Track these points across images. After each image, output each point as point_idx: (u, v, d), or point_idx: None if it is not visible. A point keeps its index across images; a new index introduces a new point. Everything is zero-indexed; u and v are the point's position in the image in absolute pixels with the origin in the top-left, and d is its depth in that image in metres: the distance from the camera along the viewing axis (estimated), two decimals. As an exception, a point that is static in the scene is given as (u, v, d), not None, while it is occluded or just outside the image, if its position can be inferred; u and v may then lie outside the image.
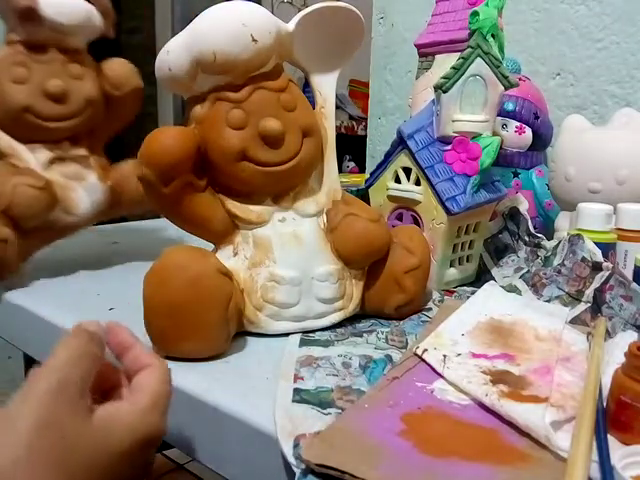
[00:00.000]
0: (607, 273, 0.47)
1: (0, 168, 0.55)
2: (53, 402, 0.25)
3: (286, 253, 0.44)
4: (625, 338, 0.41)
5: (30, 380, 0.27)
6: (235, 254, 0.45)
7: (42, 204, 0.54)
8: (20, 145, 0.56)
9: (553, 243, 0.55)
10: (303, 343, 0.43)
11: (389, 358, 0.40)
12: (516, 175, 0.72)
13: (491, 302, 0.49)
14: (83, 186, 0.58)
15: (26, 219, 0.54)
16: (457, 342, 0.42)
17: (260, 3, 0.53)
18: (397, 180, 0.58)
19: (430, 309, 0.51)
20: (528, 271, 0.55)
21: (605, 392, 0.33)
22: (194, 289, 0.39)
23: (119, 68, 0.62)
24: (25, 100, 0.55)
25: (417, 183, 0.55)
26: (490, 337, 0.43)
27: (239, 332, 0.44)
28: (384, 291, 0.48)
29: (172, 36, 0.45)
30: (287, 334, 0.44)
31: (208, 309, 0.39)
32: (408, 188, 0.56)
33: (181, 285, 0.39)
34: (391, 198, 0.58)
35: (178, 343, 0.40)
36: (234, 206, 0.45)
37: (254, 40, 0.42)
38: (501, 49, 0.53)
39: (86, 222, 0.60)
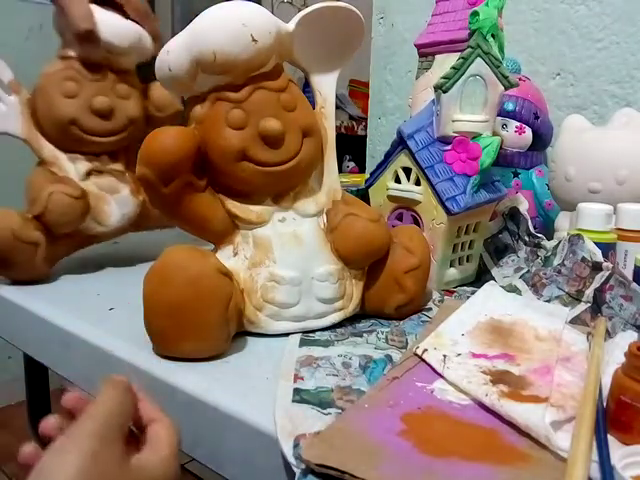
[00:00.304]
0: (607, 273, 0.47)
1: (39, 174, 0.59)
2: (99, 445, 0.26)
3: (286, 253, 0.44)
4: (625, 338, 0.40)
5: (75, 425, 0.27)
6: (235, 254, 0.45)
7: (76, 212, 0.57)
8: (62, 154, 0.60)
9: (553, 243, 0.55)
10: (303, 343, 0.43)
11: (389, 358, 0.40)
12: (516, 175, 0.72)
13: (491, 302, 0.49)
14: (116, 199, 0.61)
15: (59, 225, 0.56)
16: (457, 342, 0.42)
17: (260, 3, 0.53)
18: (397, 180, 0.57)
19: (430, 309, 0.51)
20: (528, 271, 0.55)
21: (605, 392, 0.33)
22: (194, 289, 0.39)
23: (164, 91, 0.65)
24: (72, 113, 0.58)
25: (417, 183, 0.55)
26: (490, 337, 0.43)
27: (239, 332, 0.44)
28: (384, 291, 0.48)
29: (172, 36, 0.45)
30: (287, 334, 0.44)
31: (208, 309, 0.39)
32: (408, 188, 0.56)
33: (181, 285, 0.39)
34: (391, 198, 0.58)
35: (178, 343, 0.40)
36: (234, 206, 0.45)
37: (254, 40, 0.42)
38: (501, 49, 0.53)
39: (115, 233, 0.62)
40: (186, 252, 0.40)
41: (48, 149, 0.59)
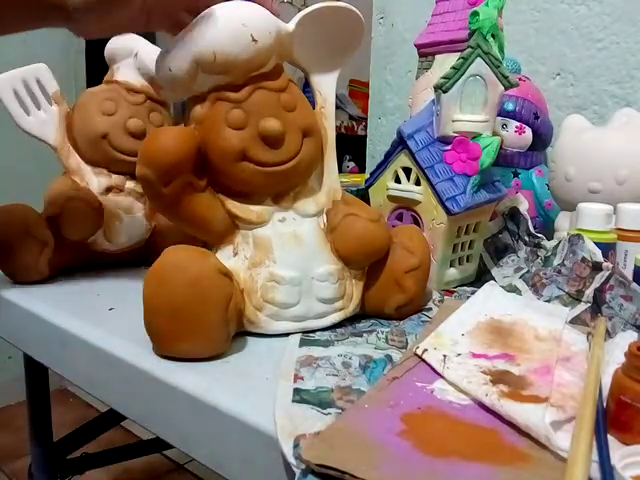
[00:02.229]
0: (607, 273, 0.47)
1: (61, 182, 0.61)
2: None
3: (286, 253, 0.44)
4: (625, 338, 0.40)
5: None
6: (235, 254, 0.45)
7: (90, 221, 0.58)
8: (87, 167, 0.62)
9: (553, 243, 0.55)
10: (303, 343, 0.43)
11: (389, 358, 0.40)
12: (516, 175, 0.72)
13: (491, 302, 0.49)
14: (129, 219, 0.62)
15: (71, 231, 0.58)
16: (457, 342, 0.42)
17: (260, 3, 0.53)
18: (397, 180, 0.57)
19: (430, 309, 0.51)
20: (528, 271, 0.55)
21: (605, 392, 0.33)
22: (194, 289, 0.39)
23: None
24: (106, 129, 0.60)
25: (417, 183, 0.55)
26: (490, 337, 0.43)
27: (239, 332, 0.44)
28: (384, 291, 0.48)
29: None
30: (287, 334, 0.44)
31: (208, 309, 0.39)
32: (408, 188, 0.56)
33: (180, 285, 0.39)
34: (391, 198, 0.58)
35: (178, 343, 0.40)
36: (234, 206, 0.45)
37: (254, 40, 0.42)
38: (501, 49, 0.53)
39: (119, 254, 0.63)
40: (185, 252, 0.40)
41: (74, 159, 0.62)
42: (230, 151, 0.43)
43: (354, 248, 0.46)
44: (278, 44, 0.44)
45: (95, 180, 0.61)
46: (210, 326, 0.40)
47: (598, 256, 0.48)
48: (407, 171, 0.56)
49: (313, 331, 0.45)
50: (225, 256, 0.45)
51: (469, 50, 0.52)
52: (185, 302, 0.39)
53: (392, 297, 0.48)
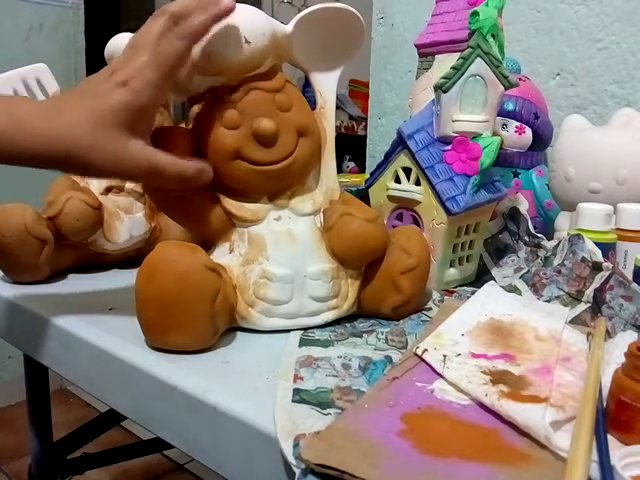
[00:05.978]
0: (607, 273, 0.47)
1: (61, 182, 0.61)
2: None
3: (279, 251, 0.45)
4: (625, 338, 0.41)
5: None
6: (231, 251, 0.45)
7: (90, 220, 0.58)
8: None
9: (553, 243, 0.55)
10: (303, 343, 0.43)
11: (389, 359, 0.40)
12: (516, 175, 0.72)
13: (491, 302, 0.49)
14: (129, 219, 0.62)
15: (71, 231, 0.57)
16: (457, 342, 0.42)
17: (260, 3, 0.53)
18: (397, 180, 0.57)
19: (430, 309, 0.51)
20: (528, 271, 0.55)
21: (605, 392, 0.33)
22: (181, 283, 0.39)
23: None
24: None
25: (417, 183, 0.55)
26: (490, 337, 0.43)
27: (239, 332, 0.44)
28: (381, 292, 0.48)
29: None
30: (281, 331, 0.45)
31: (194, 303, 0.40)
32: (408, 188, 0.56)
33: (169, 279, 0.39)
34: (391, 198, 0.58)
35: (166, 335, 0.41)
36: (230, 204, 0.45)
37: (247, 42, 0.43)
38: (501, 49, 0.53)
39: (119, 255, 0.63)
40: (176, 247, 0.41)
41: None
42: (224, 150, 0.43)
43: (348, 248, 0.46)
44: (274, 45, 0.44)
45: (95, 180, 0.61)
46: (196, 319, 0.40)
47: (598, 256, 0.48)
48: (407, 171, 0.56)
49: (313, 331, 0.45)
50: (222, 253, 0.45)
51: (469, 50, 0.52)
52: (173, 295, 0.39)
53: (388, 298, 0.48)
